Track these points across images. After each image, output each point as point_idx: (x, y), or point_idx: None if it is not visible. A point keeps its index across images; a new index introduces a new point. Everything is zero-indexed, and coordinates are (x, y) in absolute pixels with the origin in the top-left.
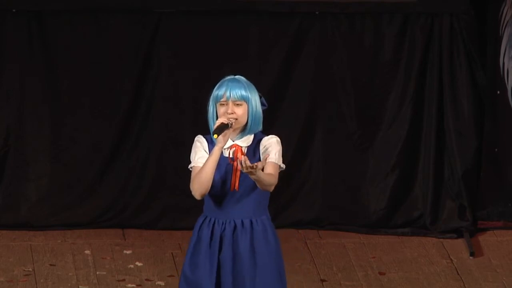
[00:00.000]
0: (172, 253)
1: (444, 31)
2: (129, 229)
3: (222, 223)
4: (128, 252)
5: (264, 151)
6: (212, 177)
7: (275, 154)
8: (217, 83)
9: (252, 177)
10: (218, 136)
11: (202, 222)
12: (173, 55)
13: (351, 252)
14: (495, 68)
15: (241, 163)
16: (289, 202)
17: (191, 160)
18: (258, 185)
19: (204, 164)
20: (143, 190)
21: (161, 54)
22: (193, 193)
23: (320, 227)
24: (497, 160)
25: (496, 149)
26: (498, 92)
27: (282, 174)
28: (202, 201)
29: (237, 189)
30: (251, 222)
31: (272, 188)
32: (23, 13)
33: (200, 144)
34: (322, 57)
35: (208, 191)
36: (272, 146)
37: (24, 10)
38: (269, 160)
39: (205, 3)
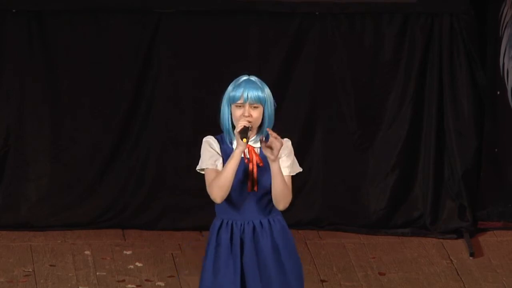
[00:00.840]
0: (172, 253)
1: (444, 31)
2: (129, 230)
3: (241, 225)
4: (128, 252)
5: (282, 156)
6: (232, 180)
7: (291, 163)
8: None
9: (273, 168)
10: (247, 139)
11: (220, 226)
12: (173, 55)
13: (351, 253)
14: (495, 68)
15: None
16: (290, 204)
17: (203, 162)
18: (273, 191)
19: (225, 167)
20: (143, 190)
21: (161, 54)
22: (212, 197)
23: (320, 227)
24: (497, 160)
25: (496, 149)
26: (498, 92)
27: None
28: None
29: (256, 190)
30: (269, 222)
31: (286, 204)
32: (23, 13)
33: (211, 145)
34: (322, 57)
35: (227, 194)
36: (289, 152)
37: (24, 10)
38: (287, 172)
39: (205, 3)
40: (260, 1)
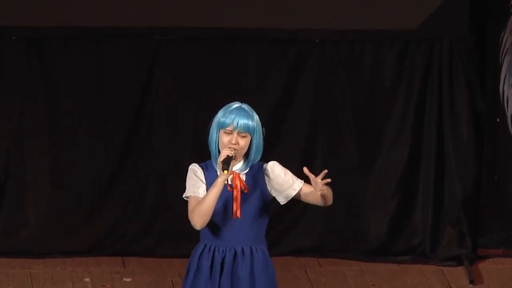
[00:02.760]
0: (172, 280)
1: (444, 58)
2: (128, 257)
3: (223, 251)
4: (128, 280)
5: (279, 179)
6: (213, 208)
7: (294, 177)
8: (216, 110)
9: (323, 193)
10: (228, 171)
11: (202, 251)
12: (173, 82)
13: (351, 280)
14: (495, 95)
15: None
16: (289, 229)
17: (187, 190)
18: (323, 201)
19: (207, 195)
20: (142, 217)
21: (160, 81)
22: (193, 223)
23: (320, 254)
24: (496, 188)
25: (495, 176)
26: (498, 119)
27: None
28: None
29: (239, 217)
30: (251, 250)
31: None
32: (22, 40)
33: (195, 172)
34: (322, 83)
35: (208, 221)
36: (284, 172)
37: (23, 37)
38: (300, 183)
39: (205, 30)
40: (259, 28)
